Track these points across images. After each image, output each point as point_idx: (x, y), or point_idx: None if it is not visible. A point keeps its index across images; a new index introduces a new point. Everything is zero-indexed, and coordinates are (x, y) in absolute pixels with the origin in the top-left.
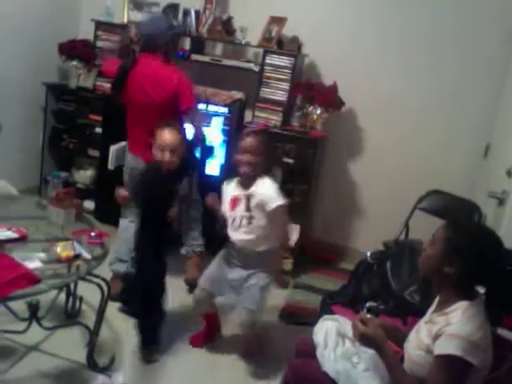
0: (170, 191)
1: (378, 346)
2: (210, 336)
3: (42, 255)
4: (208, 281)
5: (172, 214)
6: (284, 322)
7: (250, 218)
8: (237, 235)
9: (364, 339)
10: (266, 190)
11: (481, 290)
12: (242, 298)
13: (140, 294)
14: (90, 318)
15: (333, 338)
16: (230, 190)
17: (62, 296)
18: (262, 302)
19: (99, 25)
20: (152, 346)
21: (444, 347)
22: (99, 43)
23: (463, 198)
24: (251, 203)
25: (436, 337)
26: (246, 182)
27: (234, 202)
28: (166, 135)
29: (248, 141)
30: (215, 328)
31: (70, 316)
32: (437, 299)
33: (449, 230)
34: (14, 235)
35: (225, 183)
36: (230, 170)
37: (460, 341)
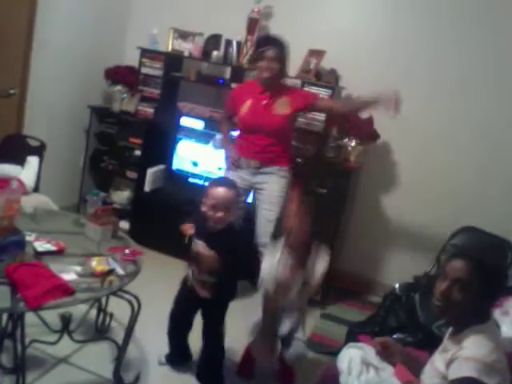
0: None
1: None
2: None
3: (78, 268)
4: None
5: None
6: (310, 350)
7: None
8: None
9: (384, 348)
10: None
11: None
12: None
13: None
14: (118, 335)
15: (357, 365)
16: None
17: (93, 312)
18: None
19: (144, 52)
20: None
21: (459, 371)
22: (144, 70)
23: (497, 235)
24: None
25: (450, 362)
26: (295, 253)
27: None
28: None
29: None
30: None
31: (99, 331)
32: (450, 328)
33: (462, 268)
34: (53, 248)
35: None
36: None
37: (474, 363)
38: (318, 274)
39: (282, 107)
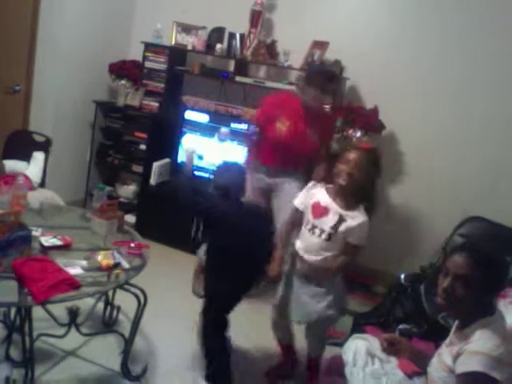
0: None
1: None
2: (286, 370)
3: (84, 263)
4: (279, 306)
5: None
6: None
7: (330, 236)
8: (312, 241)
9: (390, 344)
10: (359, 224)
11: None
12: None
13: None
14: (125, 328)
15: (362, 356)
16: (320, 194)
17: (100, 305)
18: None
19: (148, 46)
20: None
21: (466, 365)
22: (148, 64)
23: (504, 225)
24: (340, 225)
25: (457, 356)
26: (342, 200)
27: (323, 210)
28: None
29: (354, 153)
30: (291, 362)
31: (107, 324)
32: (456, 321)
33: (464, 263)
34: (59, 242)
35: (312, 183)
36: None
37: (482, 357)
38: None
39: (316, 135)
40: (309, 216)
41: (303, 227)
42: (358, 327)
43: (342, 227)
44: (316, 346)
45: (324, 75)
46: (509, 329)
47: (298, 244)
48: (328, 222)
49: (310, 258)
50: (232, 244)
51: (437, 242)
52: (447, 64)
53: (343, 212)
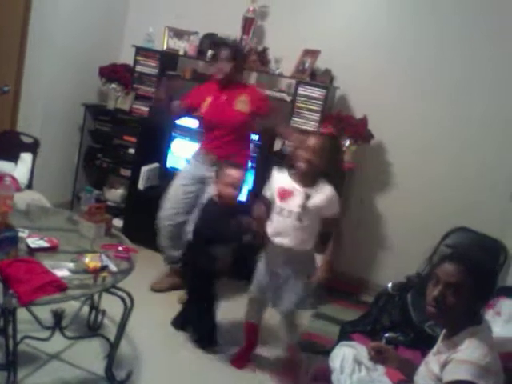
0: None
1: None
2: (249, 353)
3: (71, 265)
4: (257, 288)
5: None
6: (302, 349)
7: (301, 216)
8: (282, 223)
9: (378, 353)
10: (327, 196)
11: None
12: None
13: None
14: (111, 331)
15: (349, 364)
16: (283, 179)
17: (86, 308)
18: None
19: (139, 50)
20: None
21: (454, 373)
22: (139, 68)
23: (489, 236)
24: (308, 203)
25: (445, 364)
26: (304, 180)
27: (287, 193)
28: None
29: (314, 139)
30: (255, 343)
31: (92, 328)
32: (444, 330)
33: (454, 272)
34: (46, 244)
35: (276, 170)
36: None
37: (470, 366)
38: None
39: (242, 105)
40: (276, 201)
41: (273, 213)
42: (345, 335)
43: (311, 204)
44: (294, 331)
45: (213, 45)
46: (495, 339)
47: (269, 230)
48: (295, 202)
49: (282, 240)
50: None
51: (423, 252)
52: (437, 75)
53: (307, 190)
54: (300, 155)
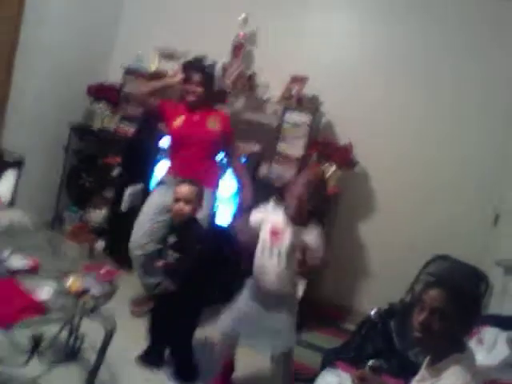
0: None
1: None
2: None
3: (53, 286)
4: (234, 322)
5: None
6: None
7: (288, 256)
8: (271, 265)
9: (362, 380)
10: (315, 239)
11: None
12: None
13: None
14: (91, 356)
15: None
16: (277, 218)
17: (65, 332)
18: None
19: (128, 71)
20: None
21: None
22: (127, 88)
23: (470, 265)
24: (296, 241)
25: None
26: (297, 220)
27: (279, 233)
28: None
29: (299, 188)
30: (232, 369)
31: (71, 353)
32: (428, 357)
33: (440, 297)
34: (28, 264)
35: (272, 203)
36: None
37: None
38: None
39: (213, 124)
40: (266, 237)
41: (259, 246)
42: (327, 363)
43: (299, 241)
44: (287, 375)
45: (184, 67)
46: (478, 367)
47: (257, 263)
48: (284, 242)
49: (269, 279)
50: None
51: (406, 279)
52: (426, 103)
53: (298, 230)
54: (290, 202)
